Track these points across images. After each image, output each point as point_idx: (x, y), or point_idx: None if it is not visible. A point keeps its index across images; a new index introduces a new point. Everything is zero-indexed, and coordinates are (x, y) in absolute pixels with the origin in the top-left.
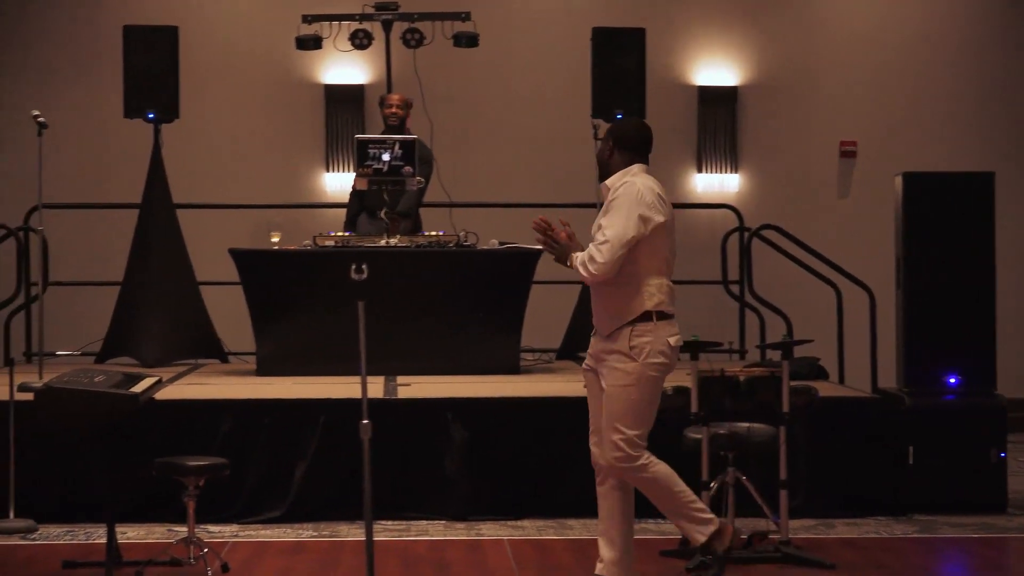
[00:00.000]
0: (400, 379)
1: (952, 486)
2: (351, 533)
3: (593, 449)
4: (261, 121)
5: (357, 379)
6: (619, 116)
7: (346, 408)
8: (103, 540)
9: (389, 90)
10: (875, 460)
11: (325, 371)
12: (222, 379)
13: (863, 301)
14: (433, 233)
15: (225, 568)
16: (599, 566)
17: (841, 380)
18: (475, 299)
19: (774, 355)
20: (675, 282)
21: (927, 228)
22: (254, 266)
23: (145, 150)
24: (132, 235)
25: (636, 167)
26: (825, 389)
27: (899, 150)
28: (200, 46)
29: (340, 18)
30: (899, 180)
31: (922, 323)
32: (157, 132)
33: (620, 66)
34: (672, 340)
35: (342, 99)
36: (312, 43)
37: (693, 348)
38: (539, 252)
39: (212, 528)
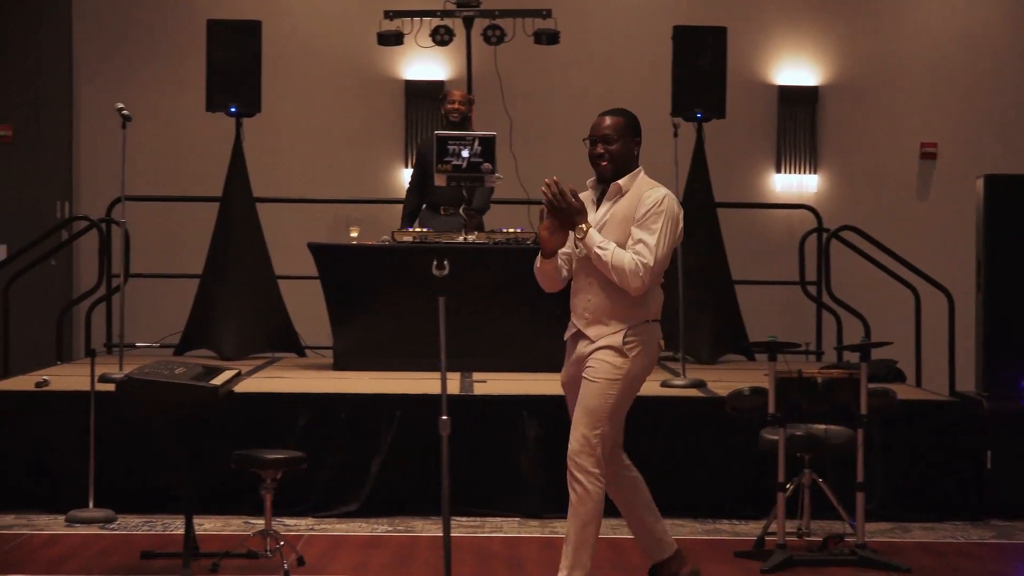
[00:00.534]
0: (476, 375)
1: None
2: (426, 528)
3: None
4: (341, 116)
5: (434, 374)
6: (699, 115)
7: (422, 403)
8: (181, 531)
9: (469, 86)
10: (953, 464)
11: (402, 366)
12: (299, 373)
13: (941, 304)
14: (511, 230)
15: (301, 561)
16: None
17: (918, 383)
18: (552, 296)
19: (851, 357)
20: (753, 282)
21: (1009, 231)
22: (332, 261)
23: (226, 144)
24: (212, 228)
25: (641, 169)
26: (903, 392)
27: (980, 153)
28: (282, 41)
29: (422, 14)
30: (981, 183)
31: (1002, 326)
32: (238, 126)
33: (700, 65)
34: (661, 342)
35: (422, 95)
36: (393, 39)
37: (770, 349)
38: None
39: (288, 521)
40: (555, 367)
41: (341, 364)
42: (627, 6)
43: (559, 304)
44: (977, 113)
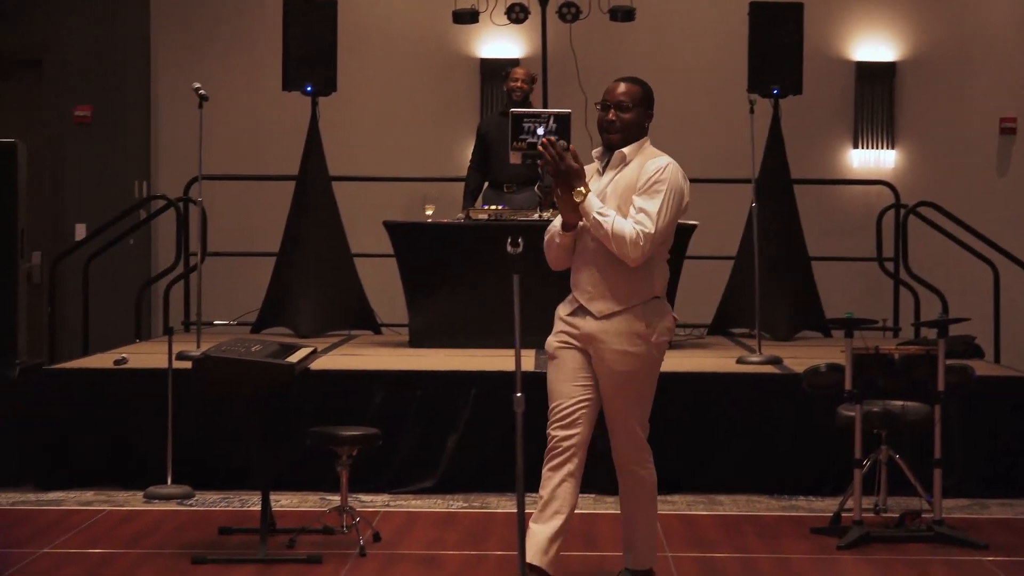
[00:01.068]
0: None
1: None
2: (501, 505)
3: (558, 432)
4: (417, 94)
5: (508, 352)
6: (775, 92)
7: (498, 380)
8: (257, 507)
9: (545, 64)
10: None
11: (477, 343)
12: (375, 350)
13: (1020, 279)
14: None
15: (377, 537)
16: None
17: (997, 359)
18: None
19: (929, 333)
20: (830, 258)
21: None
22: (408, 238)
23: (302, 123)
24: (288, 207)
25: (647, 138)
26: (981, 368)
27: None
28: (358, 20)
29: None
30: None
31: None
32: (315, 105)
33: (777, 41)
34: (674, 321)
35: (497, 73)
36: (469, 17)
37: (847, 325)
38: (693, 227)
39: (364, 497)
40: None
41: (416, 341)
42: None
43: None
44: None
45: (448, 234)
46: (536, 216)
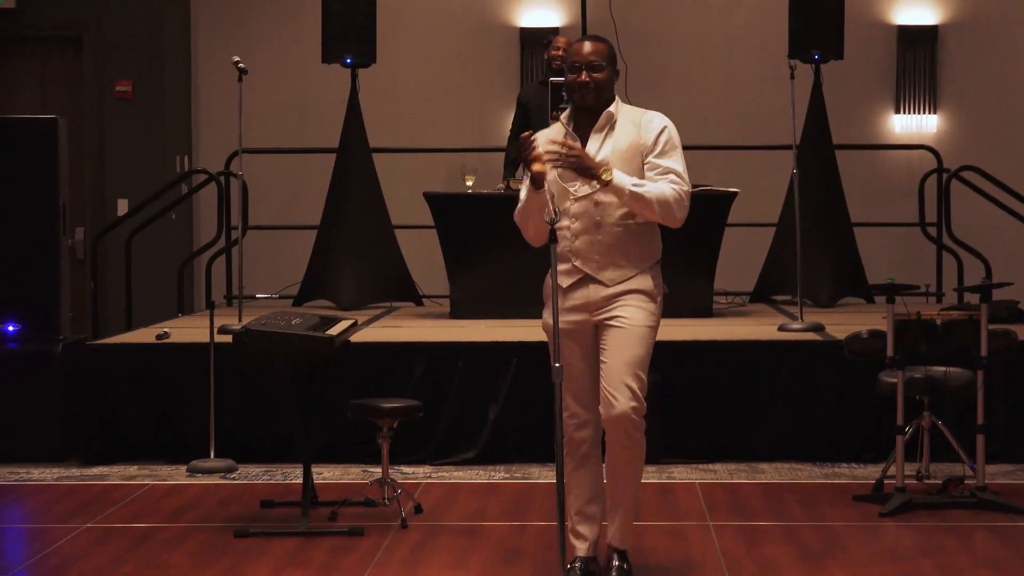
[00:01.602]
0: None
1: None
2: (543, 475)
3: (571, 421)
4: (456, 65)
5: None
6: (816, 57)
7: (538, 351)
8: (299, 480)
9: (584, 33)
10: None
11: (518, 314)
12: (416, 322)
13: None
14: None
15: (418, 509)
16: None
17: None
18: (667, 243)
19: (972, 298)
20: (872, 224)
21: None
22: (448, 209)
23: (342, 95)
24: (329, 179)
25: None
26: None
27: None
28: None
29: None
30: None
31: None
32: (354, 77)
33: (818, 5)
34: (665, 288)
35: (536, 42)
36: None
37: (889, 291)
38: (734, 195)
39: (406, 469)
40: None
41: (457, 312)
42: None
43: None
44: None
45: (488, 204)
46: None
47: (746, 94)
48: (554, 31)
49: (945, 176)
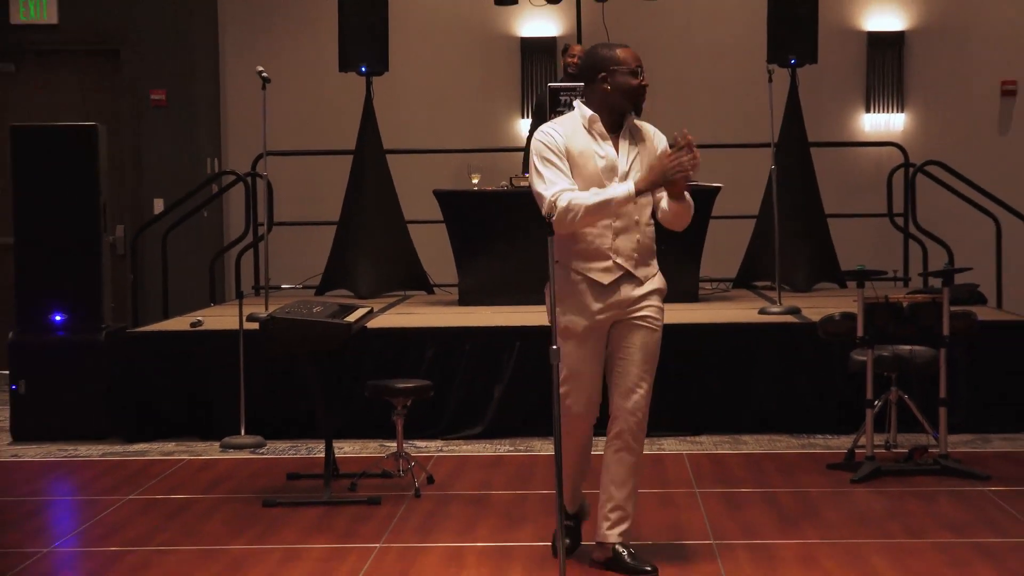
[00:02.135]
0: None
1: None
2: (544, 448)
3: (581, 424)
4: (462, 72)
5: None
6: (793, 61)
7: (539, 335)
8: (322, 455)
9: (579, 41)
10: None
11: (521, 301)
12: (427, 309)
13: (1021, 231)
14: None
15: (430, 480)
16: (620, 530)
17: (999, 305)
18: (657, 233)
19: (935, 282)
20: (844, 215)
21: None
22: (456, 205)
23: (358, 101)
24: (347, 178)
25: None
26: (984, 314)
27: None
28: (407, 5)
29: None
30: None
31: None
32: (369, 84)
33: (794, 14)
34: None
35: (536, 50)
36: None
37: (859, 276)
38: (717, 189)
39: (419, 444)
40: None
41: (466, 300)
42: None
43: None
44: None
45: (493, 201)
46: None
47: (728, 96)
48: (552, 40)
49: (911, 170)
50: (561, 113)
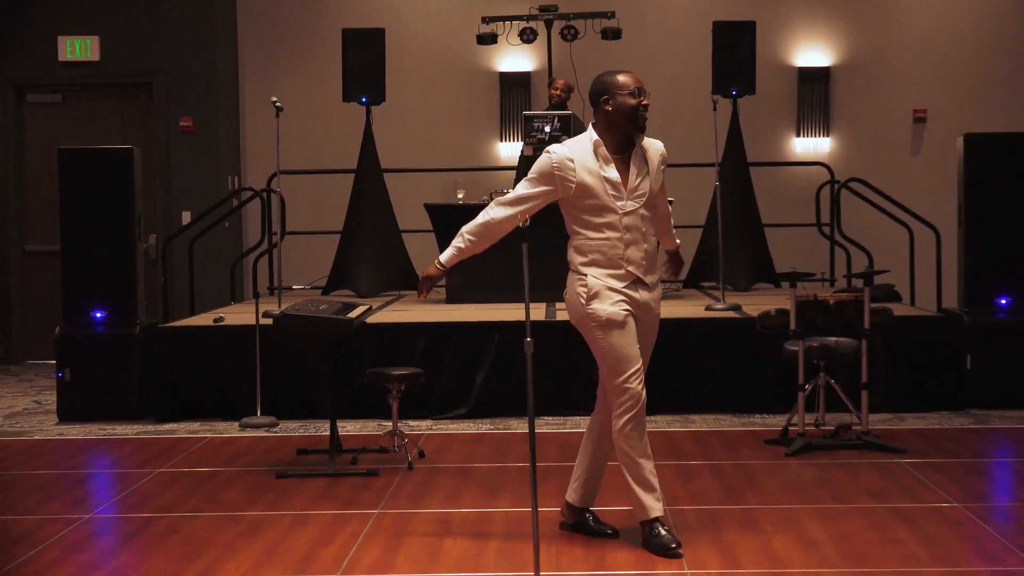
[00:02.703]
0: (558, 305)
1: (1002, 386)
2: (520, 427)
3: (639, 387)
4: (449, 102)
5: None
6: (734, 93)
7: (517, 328)
8: (328, 432)
9: (550, 76)
10: (940, 366)
11: (500, 299)
12: (419, 306)
13: (931, 239)
14: None
15: (422, 454)
16: (658, 507)
17: (912, 302)
18: None
19: (857, 283)
20: (779, 225)
21: (984, 179)
22: (444, 217)
23: (359, 127)
24: (349, 194)
25: None
26: (899, 310)
27: (962, 116)
28: (402, 44)
29: (511, 19)
30: (961, 140)
31: (979, 256)
32: (368, 112)
33: (735, 52)
34: None
35: (513, 84)
36: (489, 39)
37: (792, 278)
38: (669, 202)
39: (412, 423)
40: None
41: (452, 298)
42: (676, 7)
43: None
44: (959, 83)
45: (476, 213)
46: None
47: (680, 122)
48: (527, 74)
49: (836, 186)
50: (535, 138)
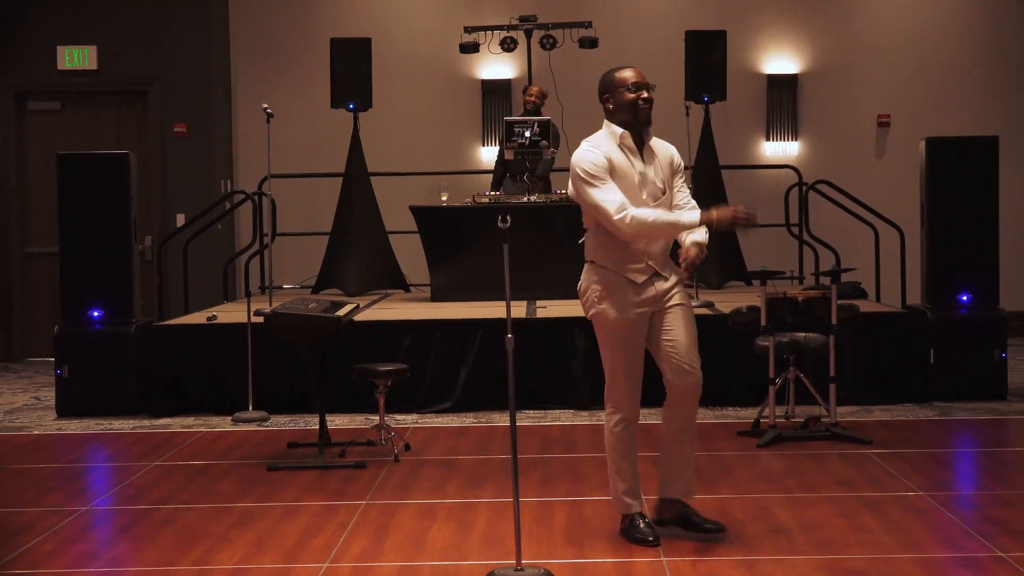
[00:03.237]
0: (539, 303)
1: (964, 380)
2: (502, 420)
3: (631, 413)
4: (433, 108)
5: (505, 303)
6: (706, 99)
7: (498, 326)
8: (317, 426)
9: (530, 83)
10: (904, 360)
11: (482, 297)
12: (405, 305)
13: (895, 238)
14: (563, 192)
15: (407, 447)
16: (636, 504)
17: (878, 299)
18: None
19: (825, 280)
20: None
21: (945, 180)
22: (428, 218)
23: (346, 132)
24: (337, 196)
25: None
26: (865, 306)
27: (923, 120)
28: (388, 52)
29: (493, 28)
30: (923, 144)
31: (941, 254)
32: (356, 118)
33: (707, 60)
34: None
35: (494, 91)
36: (471, 48)
37: (762, 276)
38: None
39: (398, 417)
40: None
41: (437, 297)
42: (650, 17)
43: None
44: (920, 90)
45: (459, 214)
46: (526, 199)
47: (654, 127)
48: (507, 82)
49: (804, 188)
50: (516, 143)
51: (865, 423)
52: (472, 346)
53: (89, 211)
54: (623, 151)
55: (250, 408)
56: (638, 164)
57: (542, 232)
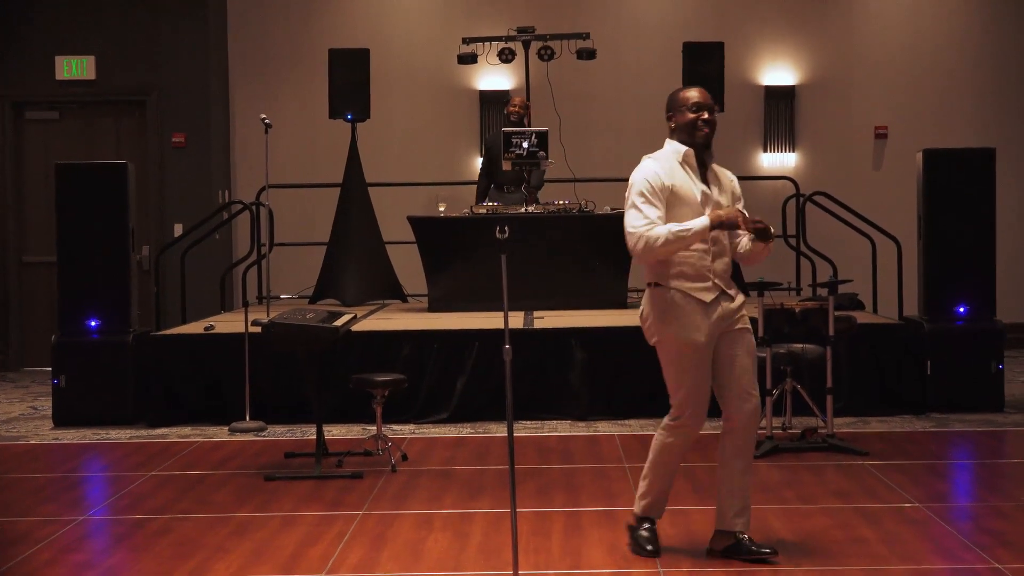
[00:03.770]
0: (536, 313)
1: (961, 391)
2: (499, 431)
3: (697, 423)
4: (431, 119)
5: (503, 314)
6: None
7: (496, 336)
8: (314, 436)
9: (528, 95)
10: (901, 372)
11: (480, 308)
12: (402, 315)
13: (892, 250)
14: (560, 202)
15: (404, 458)
16: (744, 520)
17: (875, 310)
18: (593, 251)
19: (822, 292)
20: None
21: (943, 192)
22: (426, 229)
23: (344, 142)
24: (335, 207)
25: None
26: (862, 317)
27: (920, 132)
28: (386, 63)
29: (491, 39)
30: (920, 155)
31: (938, 266)
32: (354, 129)
33: (704, 72)
34: None
35: (492, 101)
36: (469, 59)
37: (760, 287)
38: None
39: (395, 427)
40: (595, 306)
41: (434, 307)
42: (648, 28)
43: (597, 257)
44: (918, 102)
45: (457, 225)
46: (523, 210)
47: (652, 137)
48: (505, 92)
49: (801, 200)
50: (514, 154)
51: (862, 434)
52: (469, 357)
53: (87, 221)
54: (685, 169)
55: (247, 418)
56: (700, 184)
57: (540, 243)
